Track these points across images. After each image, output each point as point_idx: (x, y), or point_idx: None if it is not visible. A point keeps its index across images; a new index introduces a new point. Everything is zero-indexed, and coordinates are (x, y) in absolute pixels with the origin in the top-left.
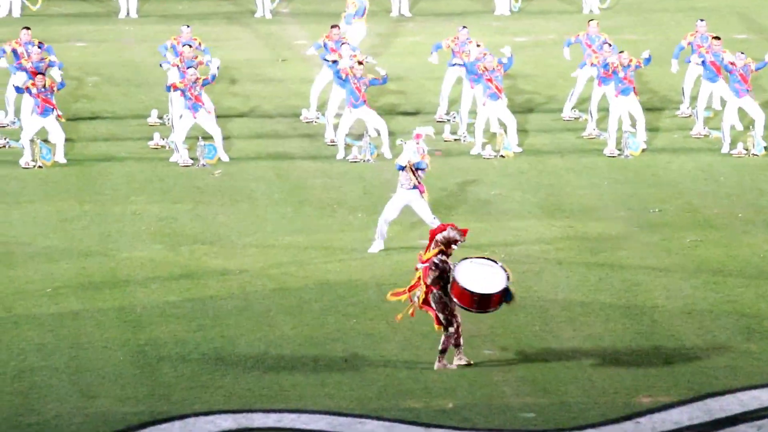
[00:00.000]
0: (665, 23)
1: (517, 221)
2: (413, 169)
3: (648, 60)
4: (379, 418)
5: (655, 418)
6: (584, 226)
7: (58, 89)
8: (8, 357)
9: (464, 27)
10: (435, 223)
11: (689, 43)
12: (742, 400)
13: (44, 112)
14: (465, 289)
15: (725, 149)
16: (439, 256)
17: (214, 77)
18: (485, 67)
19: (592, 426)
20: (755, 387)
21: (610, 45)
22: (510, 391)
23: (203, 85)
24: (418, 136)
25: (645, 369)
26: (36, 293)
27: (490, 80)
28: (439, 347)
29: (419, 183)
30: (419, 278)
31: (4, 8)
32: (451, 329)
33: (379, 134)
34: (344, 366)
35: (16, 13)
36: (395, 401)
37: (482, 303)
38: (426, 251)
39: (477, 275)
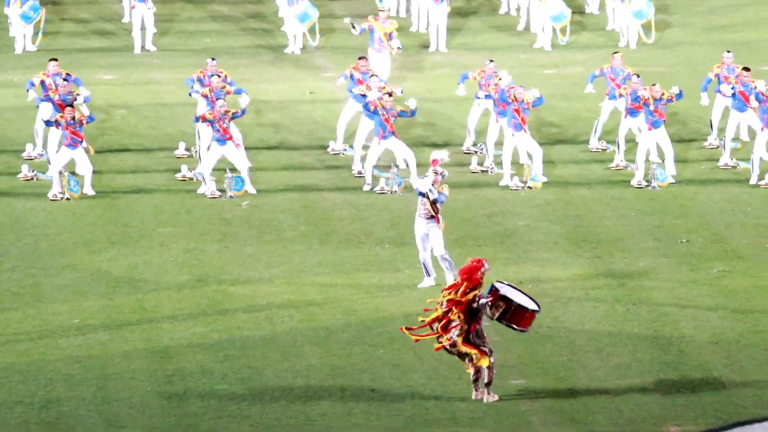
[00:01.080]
0: (693, 56)
1: (544, 252)
2: (432, 200)
3: (680, 95)
4: None
5: None
6: (611, 257)
7: (88, 122)
8: (36, 388)
9: (491, 60)
10: (445, 256)
11: (716, 75)
12: None
13: (72, 145)
14: (512, 301)
15: (753, 180)
16: (479, 292)
17: (243, 112)
18: (515, 97)
19: None
20: None
21: (638, 76)
22: (537, 421)
23: (233, 118)
24: (434, 162)
25: (672, 399)
26: (64, 324)
27: (517, 111)
28: (486, 380)
29: (436, 214)
30: (444, 313)
31: (18, 45)
32: (492, 358)
33: (407, 165)
34: (371, 396)
35: (30, 47)
36: (423, 431)
37: (518, 314)
38: (455, 288)
39: (513, 294)
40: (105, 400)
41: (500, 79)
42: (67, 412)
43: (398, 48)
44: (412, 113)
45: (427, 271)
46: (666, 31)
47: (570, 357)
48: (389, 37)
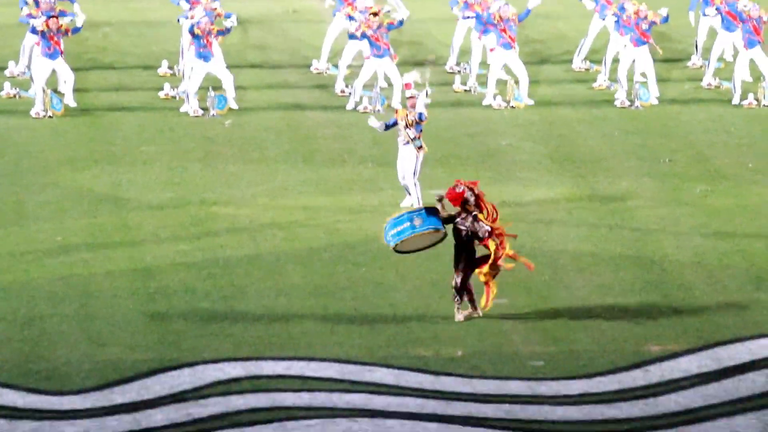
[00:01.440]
0: None
1: (527, 172)
2: (409, 123)
3: (666, 19)
4: (388, 366)
5: (664, 367)
6: (594, 176)
7: (74, 33)
8: (18, 304)
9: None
10: (416, 182)
11: None
12: (751, 349)
13: (53, 54)
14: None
15: (736, 100)
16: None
17: (229, 30)
18: (500, 17)
19: (601, 374)
20: (764, 336)
21: None
22: (519, 340)
23: (218, 35)
24: (407, 86)
25: (654, 318)
26: (46, 242)
27: (504, 30)
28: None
29: (412, 139)
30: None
31: None
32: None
33: (390, 84)
34: (354, 314)
35: None
36: (404, 349)
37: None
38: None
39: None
40: (87, 318)
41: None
42: (50, 329)
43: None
44: (400, 23)
45: (408, 191)
46: None
47: (552, 276)
48: None
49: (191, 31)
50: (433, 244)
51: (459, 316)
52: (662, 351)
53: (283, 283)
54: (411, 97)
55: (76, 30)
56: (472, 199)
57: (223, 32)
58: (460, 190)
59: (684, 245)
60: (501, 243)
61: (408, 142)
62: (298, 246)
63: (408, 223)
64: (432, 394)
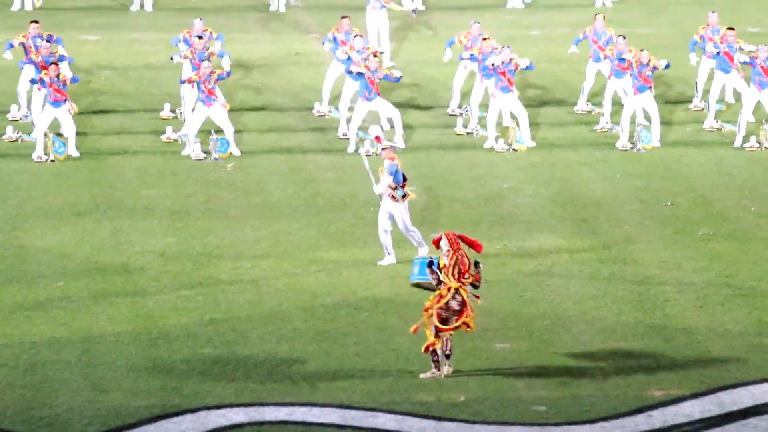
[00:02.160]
0: (679, 16)
1: (530, 215)
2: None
3: (667, 66)
4: (390, 412)
5: (666, 412)
6: (596, 219)
7: (71, 83)
8: (20, 350)
9: (476, 22)
10: (413, 231)
11: (701, 36)
12: (754, 394)
13: (56, 103)
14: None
15: (738, 143)
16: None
17: (229, 74)
18: (500, 60)
19: (604, 419)
20: (767, 380)
21: (623, 37)
22: (522, 385)
23: (218, 79)
24: (377, 139)
25: (657, 362)
26: (48, 287)
27: (503, 73)
28: (450, 351)
29: (393, 189)
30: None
31: (16, 3)
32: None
33: (392, 126)
34: (356, 359)
35: (29, 6)
36: (407, 394)
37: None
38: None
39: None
40: (90, 364)
41: (498, 50)
42: (52, 376)
43: (413, 12)
44: (397, 79)
45: (388, 249)
46: None
47: (554, 320)
48: None
49: (182, 82)
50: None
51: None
52: (665, 396)
53: (286, 328)
54: (384, 149)
55: (74, 80)
56: (444, 248)
57: (223, 76)
58: (437, 236)
59: (686, 289)
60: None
61: (389, 195)
62: (301, 291)
63: (415, 267)
64: None
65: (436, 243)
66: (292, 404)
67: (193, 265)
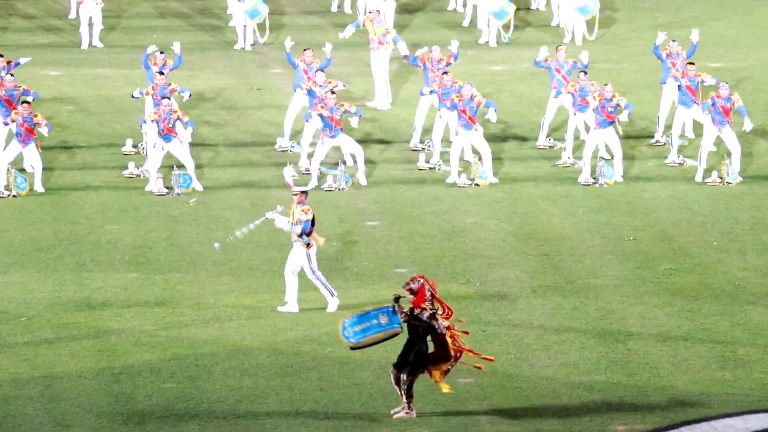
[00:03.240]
0: (639, 52)
1: (492, 250)
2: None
3: (630, 112)
4: None
5: None
6: (559, 254)
7: (48, 130)
8: None
9: (436, 46)
10: (317, 277)
11: (668, 54)
12: (717, 428)
13: (26, 141)
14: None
15: (699, 177)
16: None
17: (190, 122)
18: (461, 97)
19: None
20: (729, 415)
21: (585, 73)
22: (485, 420)
23: (178, 119)
24: (288, 185)
25: (620, 397)
26: (10, 322)
27: (463, 111)
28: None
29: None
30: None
31: None
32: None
33: (355, 161)
34: (319, 394)
35: None
36: (371, 430)
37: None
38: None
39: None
40: (52, 399)
41: (458, 85)
42: (14, 411)
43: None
44: (359, 115)
45: (330, 292)
46: (612, 27)
47: (517, 355)
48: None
49: (143, 122)
50: (386, 339)
51: (398, 414)
52: (628, 430)
53: (249, 363)
54: (296, 194)
55: (48, 126)
56: (428, 294)
57: (183, 121)
58: (419, 285)
59: (649, 323)
60: (456, 347)
61: (296, 240)
62: (263, 325)
63: (375, 320)
64: None
65: (421, 291)
66: None
67: (156, 300)
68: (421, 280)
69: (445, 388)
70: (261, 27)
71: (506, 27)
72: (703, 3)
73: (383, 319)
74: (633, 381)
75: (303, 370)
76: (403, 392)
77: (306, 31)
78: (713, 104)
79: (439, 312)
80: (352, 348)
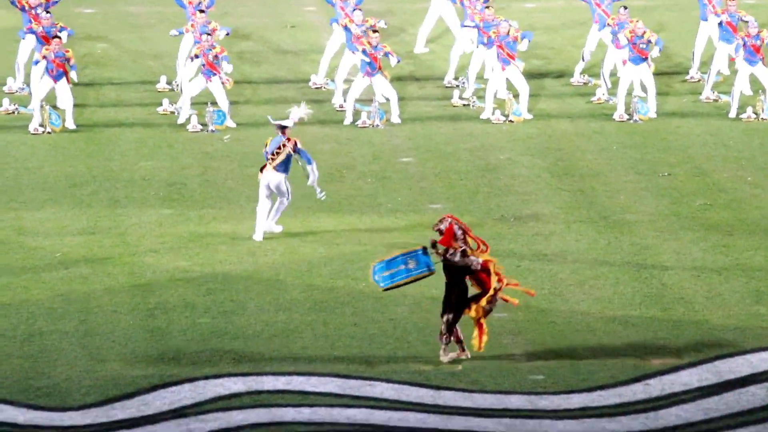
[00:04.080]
0: None
1: (527, 185)
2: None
3: (660, 48)
4: (388, 381)
5: (664, 380)
6: (593, 190)
7: (69, 34)
8: (18, 321)
9: None
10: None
11: None
12: (752, 362)
13: (57, 76)
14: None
15: (733, 113)
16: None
17: (228, 32)
18: (497, 32)
19: (602, 388)
20: (764, 349)
21: (625, 8)
22: (519, 354)
23: (221, 59)
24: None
25: (654, 332)
26: (45, 258)
27: (501, 47)
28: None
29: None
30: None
31: None
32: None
33: (387, 101)
34: (354, 329)
35: None
36: (405, 364)
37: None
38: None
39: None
40: (87, 334)
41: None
42: (50, 346)
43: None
44: (398, 60)
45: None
46: None
47: (552, 290)
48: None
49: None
50: (421, 278)
51: (445, 357)
52: (662, 364)
53: (283, 298)
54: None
55: (73, 67)
56: (459, 233)
57: (220, 57)
58: (447, 225)
59: (683, 258)
60: (498, 275)
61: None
62: (298, 261)
63: (403, 266)
64: (433, 409)
65: (450, 233)
66: (289, 374)
67: (190, 236)
68: (450, 220)
69: (476, 342)
70: None
71: None
72: None
73: (411, 264)
74: (667, 315)
75: (337, 305)
76: (453, 337)
77: None
78: (744, 44)
79: (474, 248)
80: (384, 290)
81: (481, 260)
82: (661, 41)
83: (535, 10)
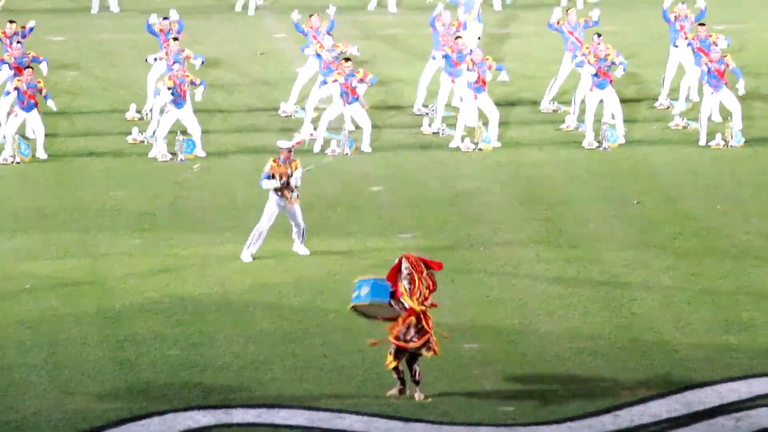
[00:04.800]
0: (644, 15)
1: (496, 214)
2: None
3: (625, 68)
4: (358, 413)
5: (634, 411)
6: (563, 218)
7: (45, 98)
8: None
9: (446, 9)
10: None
11: (676, 17)
12: (721, 393)
13: (28, 107)
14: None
15: (702, 141)
16: None
17: (203, 83)
18: (472, 61)
19: (571, 419)
20: (733, 379)
21: (599, 35)
22: (489, 385)
23: (191, 84)
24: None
25: (624, 362)
26: (15, 289)
27: (478, 75)
28: (419, 378)
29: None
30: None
31: None
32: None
33: (359, 129)
34: (323, 361)
35: None
36: (374, 396)
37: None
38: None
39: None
40: (56, 366)
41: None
42: (19, 379)
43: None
44: (372, 82)
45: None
46: None
47: (521, 320)
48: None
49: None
50: (391, 318)
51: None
52: (632, 395)
53: (252, 329)
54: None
55: (46, 96)
56: (406, 272)
57: (196, 84)
58: (396, 261)
59: (653, 288)
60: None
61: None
62: (267, 292)
63: (357, 291)
64: None
65: (395, 266)
66: (259, 406)
67: (160, 266)
68: (403, 257)
69: (390, 362)
70: None
71: None
72: None
73: (364, 290)
74: (637, 345)
75: (307, 336)
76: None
77: None
78: (708, 70)
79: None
80: (354, 310)
81: (404, 312)
82: (625, 61)
83: (505, 37)
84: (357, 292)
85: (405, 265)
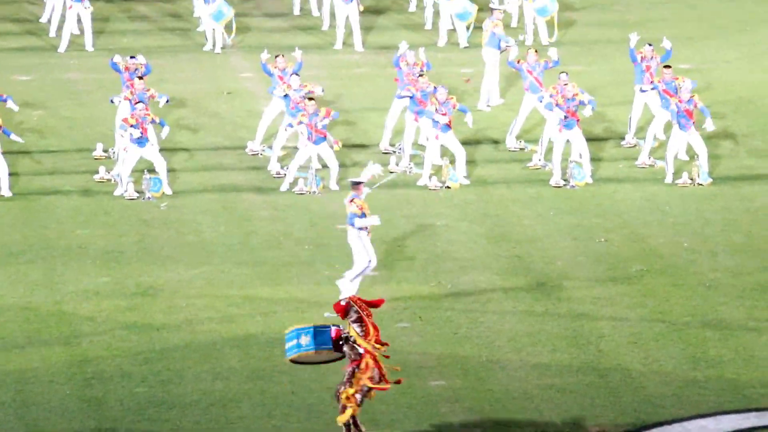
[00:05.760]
0: (609, 54)
1: (464, 252)
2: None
3: (593, 107)
4: None
5: None
6: (530, 256)
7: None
8: None
9: (410, 50)
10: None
11: (642, 58)
12: (689, 430)
13: None
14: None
15: (669, 179)
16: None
17: (163, 123)
18: (438, 100)
19: None
20: (701, 416)
21: (566, 74)
22: (457, 422)
23: (152, 122)
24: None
25: (592, 399)
26: None
27: (444, 114)
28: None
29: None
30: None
31: None
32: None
33: (322, 167)
34: (291, 398)
35: None
36: None
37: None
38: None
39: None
40: (24, 404)
41: (435, 89)
42: None
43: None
44: (334, 117)
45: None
46: (582, 28)
47: (489, 357)
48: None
49: (122, 127)
50: (333, 360)
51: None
52: None
53: (220, 367)
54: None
55: (5, 131)
56: (354, 316)
57: (156, 122)
58: (344, 303)
59: (620, 326)
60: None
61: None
62: (235, 329)
63: (295, 341)
64: None
65: (342, 310)
66: None
67: (127, 304)
68: (350, 300)
69: (341, 416)
70: (227, 28)
71: (469, 27)
72: (672, 3)
73: (304, 339)
74: (605, 383)
75: (275, 374)
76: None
77: (273, 34)
78: (678, 110)
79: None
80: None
81: (361, 350)
82: (594, 101)
83: (470, 75)
84: (295, 341)
85: (354, 308)
